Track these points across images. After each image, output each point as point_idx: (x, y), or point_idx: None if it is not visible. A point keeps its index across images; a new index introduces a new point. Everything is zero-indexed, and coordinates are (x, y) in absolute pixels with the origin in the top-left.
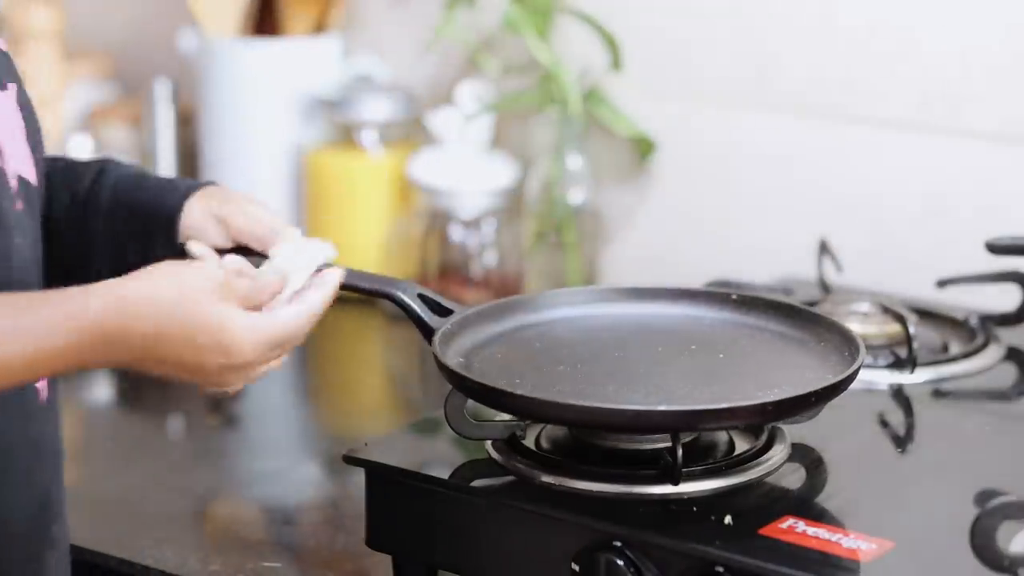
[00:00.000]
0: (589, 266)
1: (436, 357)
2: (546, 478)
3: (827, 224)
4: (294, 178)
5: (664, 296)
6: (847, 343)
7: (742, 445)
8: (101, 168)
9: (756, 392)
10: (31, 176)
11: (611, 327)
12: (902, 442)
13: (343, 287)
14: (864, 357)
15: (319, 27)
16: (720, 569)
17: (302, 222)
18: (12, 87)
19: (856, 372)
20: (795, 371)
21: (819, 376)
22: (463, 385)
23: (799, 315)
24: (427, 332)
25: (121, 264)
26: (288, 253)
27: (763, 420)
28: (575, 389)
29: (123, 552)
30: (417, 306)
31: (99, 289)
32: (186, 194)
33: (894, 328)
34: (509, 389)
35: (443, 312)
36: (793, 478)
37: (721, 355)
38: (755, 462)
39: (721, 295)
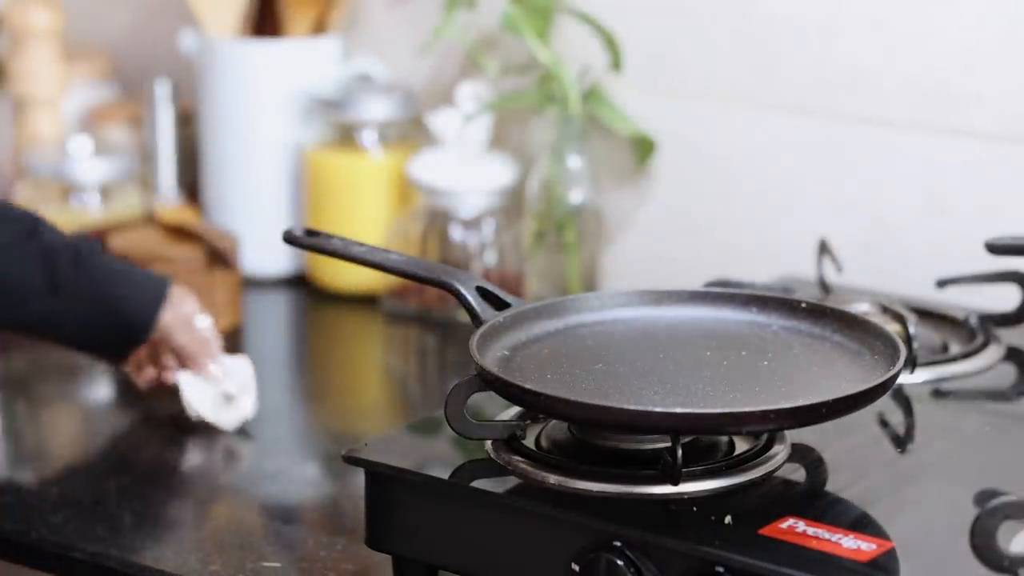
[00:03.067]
0: (589, 266)
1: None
2: (546, 478)
3: (827, 224)
4: (294, 178)
5: (732, 301)
6: (891, 357)
7: (742, 445)
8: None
9: (780, 399)
10: None
11: (669, 329)
12: (902, 442)
13: (402, 274)
14: (898, 372)
15: (319, 27)
16: (720, 569)
17: (302, 222)
18: None
19: (876, 389)
20: (831, 381)
21: (853, 387)
22: (479, 372)
23: (859, 326)
24: (478, 324)
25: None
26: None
27: (765, 428)
28: (598, 388)
29: (123, 552)
30: (472, 298)
31: None
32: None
33: (894, 328)
34: (507, 377)
35: (501, 305)
36: (793, 478)
37: (766, 362)
38: (755, 462)
39: (790, 303)
